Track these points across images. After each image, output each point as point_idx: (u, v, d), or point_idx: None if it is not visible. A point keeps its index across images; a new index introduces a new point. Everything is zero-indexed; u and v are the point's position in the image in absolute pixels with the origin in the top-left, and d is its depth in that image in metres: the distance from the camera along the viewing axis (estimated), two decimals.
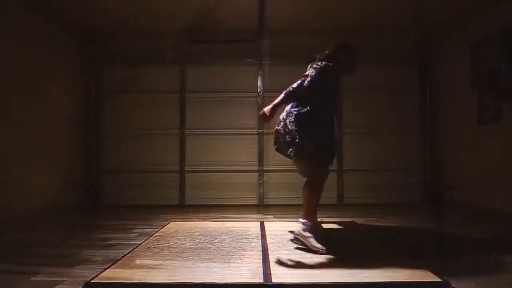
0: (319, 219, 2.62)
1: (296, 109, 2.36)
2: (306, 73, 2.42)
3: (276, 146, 2.60)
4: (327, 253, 2.12)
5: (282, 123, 2.43)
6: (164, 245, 2.41)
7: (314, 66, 2.38)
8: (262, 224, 3.18)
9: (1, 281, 1.76)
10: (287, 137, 2.38)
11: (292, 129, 2.33)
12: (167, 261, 2.03)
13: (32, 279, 1.78)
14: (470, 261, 2.07)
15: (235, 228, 2.98)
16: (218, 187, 4.67)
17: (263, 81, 4.78)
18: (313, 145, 2.28)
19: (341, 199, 4.74)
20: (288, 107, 2.46)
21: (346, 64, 2.54)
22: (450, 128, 4.44)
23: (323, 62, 2.40)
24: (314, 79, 2.29)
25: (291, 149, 2.37)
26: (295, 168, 4.99)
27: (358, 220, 3.33)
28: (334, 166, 4.75)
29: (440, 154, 4.66)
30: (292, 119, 2.34)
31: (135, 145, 4.77)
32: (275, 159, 4.76)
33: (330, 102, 2.47)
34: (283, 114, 2.45)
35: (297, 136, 2.30)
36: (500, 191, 3.46)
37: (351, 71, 2.63)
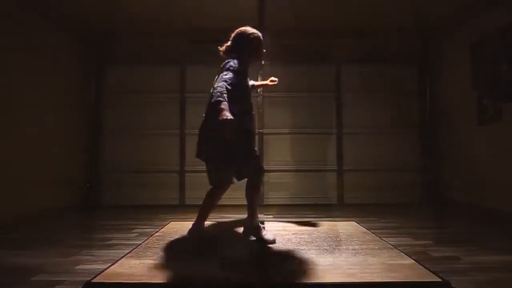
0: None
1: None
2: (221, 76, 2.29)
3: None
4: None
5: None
6: (164, 245, 2.41)
7: (227, 66, 2.29)
8: (262, 224, 3.17)
9: (1, 281, 1.76)
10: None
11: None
12: (167, 261, 2.03)
13: (32, 279, 1.78)
14: (470, 261, 2.07)
15: (235, 228, 2.97)
16: None
17: (262, 81, 4.77)
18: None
19: (341, 199, 4.74)
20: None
21: (252, 52, 2.43)
22: (450, 128, 4.44)
23: (233, 61, 2.30)
24: (230, 79, 2.19)
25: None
26: (294, 168, 5.01)
27: (358, 220, 3.32)
28: (334, 166, 4.79)
29: (440, 154, 4.66)
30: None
31: (135, 145, 4.77)
32: (275, 159, 4.78)
33: (247, 107, 2.39)
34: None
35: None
36: (500, 191, 3.47)
37: (259, 58, 2.51)
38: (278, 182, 4.75)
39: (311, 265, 1.94)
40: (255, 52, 2.46)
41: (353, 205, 4.60)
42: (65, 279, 1.77)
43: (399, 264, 1.94)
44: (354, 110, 4.82)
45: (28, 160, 3.46)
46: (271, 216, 3.77)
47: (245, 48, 2.42)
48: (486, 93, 3.72)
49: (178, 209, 4.41)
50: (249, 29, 2.47)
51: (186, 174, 4.75)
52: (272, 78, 2.88)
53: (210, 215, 2.59)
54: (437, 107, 4.71)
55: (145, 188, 4.71)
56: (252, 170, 2.42)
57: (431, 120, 4.77)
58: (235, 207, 4.39)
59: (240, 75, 2.32)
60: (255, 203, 2.50)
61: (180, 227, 3.00)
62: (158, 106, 4.81)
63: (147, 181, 4.73)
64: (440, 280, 1.69)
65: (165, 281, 1.70)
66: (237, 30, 2.48)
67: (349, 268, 1.87)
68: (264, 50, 2.53)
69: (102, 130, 4.80)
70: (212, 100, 2.13)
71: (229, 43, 2.49)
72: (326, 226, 3.06)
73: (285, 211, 4.12)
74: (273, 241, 2.40)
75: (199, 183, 4.81)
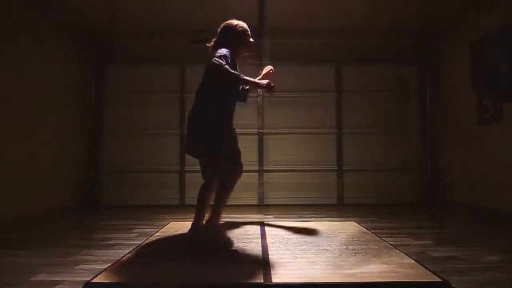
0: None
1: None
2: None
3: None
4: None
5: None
6: (164, 245, 2.41)
7: (216, 54, 2.21)
8: (262, 224, 3.18)
9: (1, 281, 1.76)
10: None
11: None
12: (167, 261, 2.03)
13: (32, 279, 1.77)
14: (470, 261, 2.07)
15: (235, 228, 2.98)
16: None
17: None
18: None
19: (341, 199, 4.74)
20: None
21: (239, 43, 2.44)
22: (450, 128, 4.44)
23: (221, 49, 2.25)
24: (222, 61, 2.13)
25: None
26: (295, 168, 5.01)
27: (358, 220, 3.32)
28: (334, 166, 4.79)
29: (440, 154, 4.66)
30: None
31: (135, 145, 4.77)
32: (275, 159, 4.78)
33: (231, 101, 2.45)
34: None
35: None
36: (500, 191, 3.46)
37: (248, 49, 2.52)
38: (278, 182, 4.75)
39: (311, 265, 1.94)
40: (243, 42, 2.46)
41: (353, 205, 4.60)
42: (65, 279, 1.77)
43: (399, 264, 1.94)
44: (354, 110, 4.82)
45: (28, 160, 3.46)
46: (271, 216, 3.77)
47: (231, 40, 2.41)
48: (486, 93, 3.72)
49: (178, 209, 4.41)
50: (234, 21, 2.47)
51: (186, 174, 4.75)
52: (268, 67, 2.78)
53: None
54: (437, 107, 4.71)
55: (145, 188, 4.71)
56: (233, 172, 2.47)
57: (431, 120, 4.77)
58: (236, 207, 4.39)
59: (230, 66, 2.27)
60: (223, 204, 2.51)
61: (180, 227, 3.00)
62: (158, 106, 4.81)
63: (147, 181, 4.73)
64: (440, 280, 1.69)
65: (164, 281, 1.70)
66: (223, 24, 2.48)
67: (349, 268, 1.87)
68: (252, 40, 2.53)
69: (102, 130, 4.80)
70: (219, 71, 2.10)
71: (215, 38, 2.48)
72: (326, 226, 3.06)
73: (285, 211, 4.12)
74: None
75: (199, 183, 4.77)
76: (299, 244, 2.40)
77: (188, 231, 2.49)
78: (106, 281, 1.70)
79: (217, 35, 2.48)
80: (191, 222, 2.51)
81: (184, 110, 4.83)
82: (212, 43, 2.48)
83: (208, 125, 2.32)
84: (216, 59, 2.15)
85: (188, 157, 4.69)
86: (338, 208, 4.48)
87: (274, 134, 4.76)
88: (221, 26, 2.49)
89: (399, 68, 4.86)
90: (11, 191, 3.17)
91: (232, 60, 2.34)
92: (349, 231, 2.83)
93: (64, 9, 3.82)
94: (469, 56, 3.98)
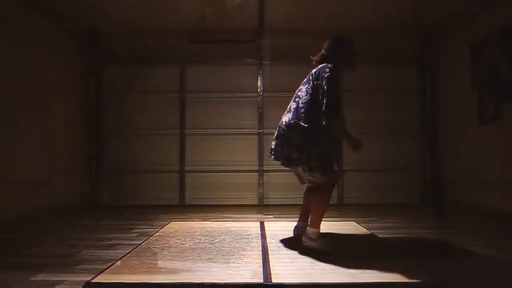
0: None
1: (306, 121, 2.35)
2: (310, 80, 2.38)
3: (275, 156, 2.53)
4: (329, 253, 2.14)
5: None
6: (164, 245, 2.41)
7: (325, 72, 2.29)
8: (262, 224, 3.18)
9: (1, 281, 1.76)
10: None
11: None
12: (167, 261, 2.03)
13: (32, 279, 1.78)
14: (471, 261, 2.07)
15: (235, 228, 2.97)
16: (218, 187, 4.67)
17: (263, 81, 4.78)
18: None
19: (341, 199, 4.74)
20: (289, 117, 2.43)
21: (346, 59, 2.42)
22: (450, 128, 4.44)
23: (329, 65, 2.29)
24: (335, 82, 2.25)
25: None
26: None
27: (358, 220, 3.32)
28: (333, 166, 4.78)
29: (440, 154, 4.66)
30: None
31: (135, 145, 4.77)
32: None
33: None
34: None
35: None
36: (500, 191, 3.46)
37: (352, 65, 2.49)
38: (278, 182, 4.74)
39: (311, 265, 1.94)
40: (347, 56, 2.47)
41: (353, 205, 4.59)
42: (65, 279, 1.77)
43: (399, 264, 1.94)
44: (354, 110, 4.80)
45: (28, 160, 3.46)
46: (271, 216, 3.77)
47: (337, 53, 2.45)
48: (486, 93, 3.72)
49: (178, 209, 4.41)
50: (341, 36, 2.52)
51: (186, 174, 4.75)
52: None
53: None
54: (437, 107, 4.71)
55: (145, 188, 4.71)
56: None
57: (431, 120, 4.77)
58: (236, 207, 4.40)
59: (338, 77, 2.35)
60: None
61: (180, 227, 3.00)
62: (158, 106, 4.81)
63: (147, 181, 4.72)
64: (439, 281, 1.69)
65: (165, 281, 1.70)
66: (330, 39, 2.54)
67: (349, 268, 1.87)
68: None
69: (102, 130, 4.80)
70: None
71: (323, 51, 2.54)
72: (326, 226, 3.05)
73: (285, 211, 4.12)
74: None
75: (199, 183, 4.82)
76: (299, 244, 2.40)
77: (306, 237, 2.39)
78: (106, 281, 1.70)
79: (324, 49, 2.53)
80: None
81: (184, 110, 4.83)
82: (317, 58, 2.55)
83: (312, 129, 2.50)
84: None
85: (188, 157, 4.76)
86: (338, 208, 4.47)
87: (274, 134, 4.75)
88: (329, 42, 2.54)
89: (399, 68, 4.85)
90: (11, 191, 3.16)
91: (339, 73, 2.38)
92: (349, 231, 2.83)
93: (65, 10, 3.82)
94: (469, 56, 3.98)
